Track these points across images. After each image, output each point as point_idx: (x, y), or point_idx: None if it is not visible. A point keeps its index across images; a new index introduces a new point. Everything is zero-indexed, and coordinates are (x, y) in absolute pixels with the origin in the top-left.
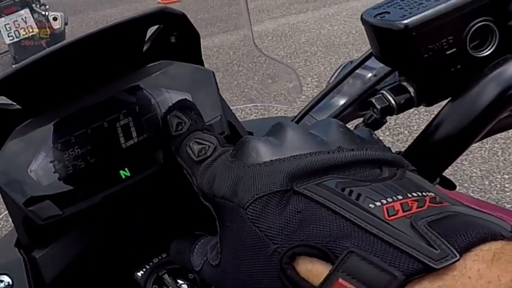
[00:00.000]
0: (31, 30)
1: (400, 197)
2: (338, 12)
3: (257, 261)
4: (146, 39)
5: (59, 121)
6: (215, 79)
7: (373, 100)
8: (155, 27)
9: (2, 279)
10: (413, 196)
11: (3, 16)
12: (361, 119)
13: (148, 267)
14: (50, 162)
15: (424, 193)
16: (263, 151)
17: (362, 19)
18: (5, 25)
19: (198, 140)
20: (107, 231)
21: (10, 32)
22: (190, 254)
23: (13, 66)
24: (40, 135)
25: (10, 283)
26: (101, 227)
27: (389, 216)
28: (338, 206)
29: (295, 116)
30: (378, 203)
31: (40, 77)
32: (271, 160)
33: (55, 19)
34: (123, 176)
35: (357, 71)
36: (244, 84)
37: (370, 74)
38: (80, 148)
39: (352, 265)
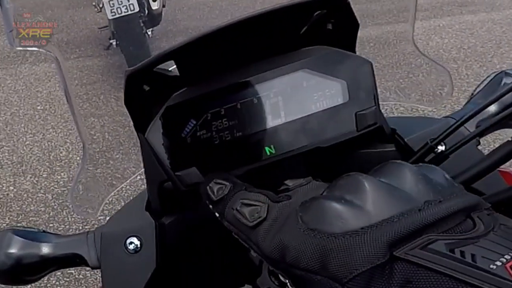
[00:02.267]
0: (132, 8)
1: None
2: (450, 25)
3: None
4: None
5: (212, 92)
6: (373, 70)
7: None
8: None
9: (132, 241)
10: None
11: None
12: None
13: None
14: (199, 131)
15: None
16: (349, 217)
17: None
18: (109, 1)
19: (245, 202)
20: None
21: (113, 9)
22: None
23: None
24: (193, 104)
25: (139, 245)
26: None
27: None
28: (456, 271)
29: (450, 127)
30: (498, 263)
31: (207, 49)
32: (362, 228)
33: (154, 0)
34: (268, 153)
35: (509, 81)
36: (390, 80)
37: None
38: (228, 121)
39: None
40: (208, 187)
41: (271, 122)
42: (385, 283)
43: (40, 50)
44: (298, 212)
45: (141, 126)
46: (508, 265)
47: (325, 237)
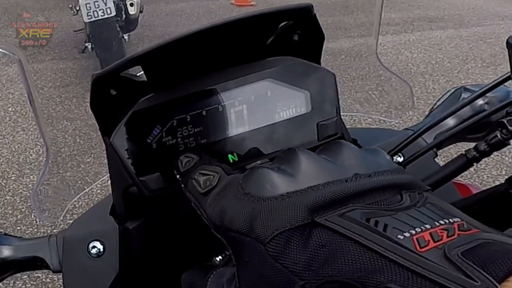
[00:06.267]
0: (109, 12)
1: (428, 226)
2: (420, 40)
3: None
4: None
5: (178, 99)
6: (336, 82)
7: (505, 121)
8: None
9: (95, 245)
10: (440, 224)
11: None
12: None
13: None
14: (165, 137)
15: (451, 220)
16: (279, 183)
17: (507, 42)
18: (86, 4)
19: (203, 172)
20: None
21: (90, 12)
22: (204, 286)
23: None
24: (160, 110)
25: (102, 250)
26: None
27: (420, 247)
28: (365, 238)
29: (407, 138)
30: (407, 234)
31: (174, 56)
32: (288, 193)
33: (131, 5)
34: (231, 160)
35: (467, 96)
36: (353, 92)
37: (482, 102)
38: (193, 127)
39: None
40: (179, 160)
41: (235, 130)
42: (302, 245)
43: (3, 51)
44: (240, 180)
45: (107, 130)
46: (415, 237)
47: (255, 200)
